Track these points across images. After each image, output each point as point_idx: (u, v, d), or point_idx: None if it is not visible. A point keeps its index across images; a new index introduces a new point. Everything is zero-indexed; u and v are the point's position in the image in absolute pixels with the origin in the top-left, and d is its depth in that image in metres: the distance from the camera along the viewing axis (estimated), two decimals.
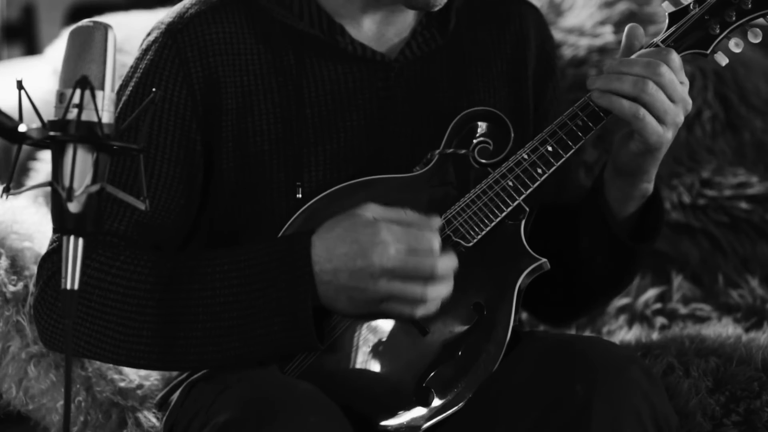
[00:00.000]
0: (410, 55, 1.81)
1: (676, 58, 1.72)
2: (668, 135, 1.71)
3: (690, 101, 1.73)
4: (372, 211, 1.65)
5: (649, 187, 1.78)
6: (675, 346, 2.06)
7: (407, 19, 1.82)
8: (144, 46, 1.78)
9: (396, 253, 1.63)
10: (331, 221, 1.66)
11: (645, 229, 1.82)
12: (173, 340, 1.67)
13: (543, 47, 1.92)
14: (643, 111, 1.69)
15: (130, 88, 1.77)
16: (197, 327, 1.66)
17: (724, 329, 2.19)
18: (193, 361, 1.70)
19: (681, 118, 1.72)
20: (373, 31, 1.81)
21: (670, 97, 1.70)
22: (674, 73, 1.70)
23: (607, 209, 1.79)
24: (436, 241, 1.64)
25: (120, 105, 1.76)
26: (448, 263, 1.65)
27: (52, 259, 1.70)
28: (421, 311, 1.66)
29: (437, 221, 1.68)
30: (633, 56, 1.73)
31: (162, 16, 1.80)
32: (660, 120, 1.70)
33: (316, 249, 1.64)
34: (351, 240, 1.63)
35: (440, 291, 1.65)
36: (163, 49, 1.76)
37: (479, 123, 1.78)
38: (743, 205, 2.41)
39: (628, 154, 1.74)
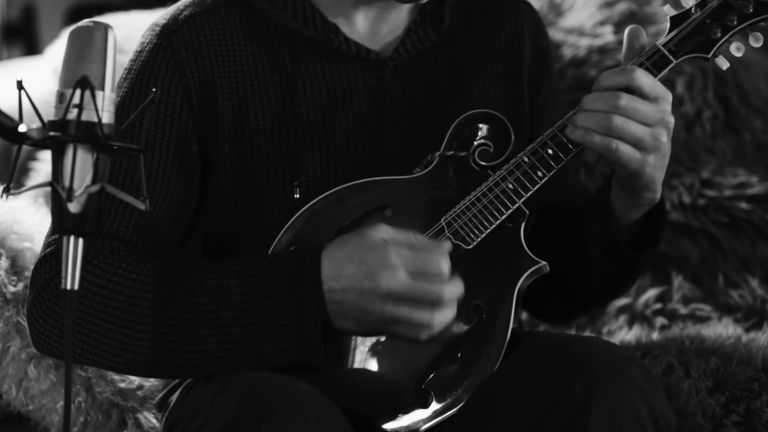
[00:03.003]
0: (404, 53, 1.81)
1: (641, 76, 1.69)
2: (649, 159, 1.69)
3: (671, 119, 1.70)
4: (383, 232, 1.64)
5: (655, 196, 1.77)
6: (675, 346, 2.06)
7: (400, 16, 1.82)
8: (138, 48, 1.78)
9: (404, 276, 1.62)
10: (340, 240, 1.65)
11: (647, 236, 1.81)
12: (174, 352, 1.67)
13: (538, 44, 1.92)
14: (615, 143, 1.68)
15: (124, 90, 1.76)
16: (199, 340, 1.66)
17: (724, 329, 2.19)
18: (193, 372, 1.70)
19: (663, 139, 1.70)
20: (366, 29, 1.81)
21: (644, 121, 1.68)
22: (644, 92, 1.68)
23: (612, 215, 1.79)
24: (444, 266, 1.64)
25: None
26: (454, 290, 1.65)
27: (49, 262, 1.70)
28: (425, 335, 1.65)
29: (447, 246, 1.67)
30: (600, 77, 1.71)
31: (156, 18, 1.80)
32: (637, 147, 1.69)
33: (325, 268, 1.64)
34: (359, 261, 1.63)
35: (445, 316, 1.65)
36: (158, 50, 1.75)
37: (480, 125, 1.77)
38: (743, 205, 2.41)
39: (618, 174, 1.74)
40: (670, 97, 1.72)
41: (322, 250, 1.65)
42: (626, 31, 1.76)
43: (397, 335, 1.66)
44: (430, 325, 1.64)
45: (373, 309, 1.63)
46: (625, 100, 1.68)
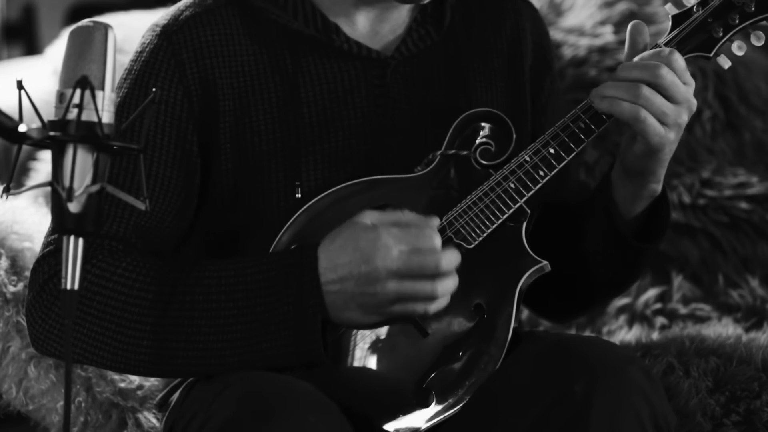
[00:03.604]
0: (406, 52, 1.81)
1: (679, 59, 1.72)
2: (670, 136, 1.71)
3: (695, 102, 1.72)
4: (370, 217, 1.66)
5: (658, 187, 1.78)
6: (675, 346, 2.06)
7: (401, 15, 1.82)
8: (138, 49, 1.78)
9: (399, 254, 1.63)
10: (332, 233, 1.66)
11: (651, 229, 1.82)
12: (174, 351, 1.67)
13: (539, 43, 1.92)
14: (644, 113, 1.69)
15: (125, 90, 1.76)
16: (199, 339, 1.66)
17: (724, 329, 2.19)
18: (193, 371, 1.70)
19: (684, 119, 1.72)
20: (367, 28, 1.81)
21: (671, 98, 1.70)
22: (677, 75, 1.70)
23: (615, 209, 1.79)
24: (436, 238, 1.65)
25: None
26: (451, 258, 1.65)
27: (48, 262, 1.70)
28: (433, 307, 1.66)
29: (435, 220, 1.68)
30: (635, 58, 1.73)
31: (156, 18, 1.80)
32: (660, 121, 1.70)
33: (321, 261, 1.64)
34: (353, 248, 1.63)
35: (448, 285, 1.65)
36: (159, 50, 1.75)
37: (481, 124, 1.77)
38: (743, 205, 2.41)
39: (633, 155, 1.74)
40: (694, 84, 1.73)
41: (318, 246, 1.66)
42: (629, 27, 1.77)
43: (404, 313, 1.67)
44: (435, 296, 1.64)
45: (375, 291, 1.63)
46: (667, 72, 1.69)
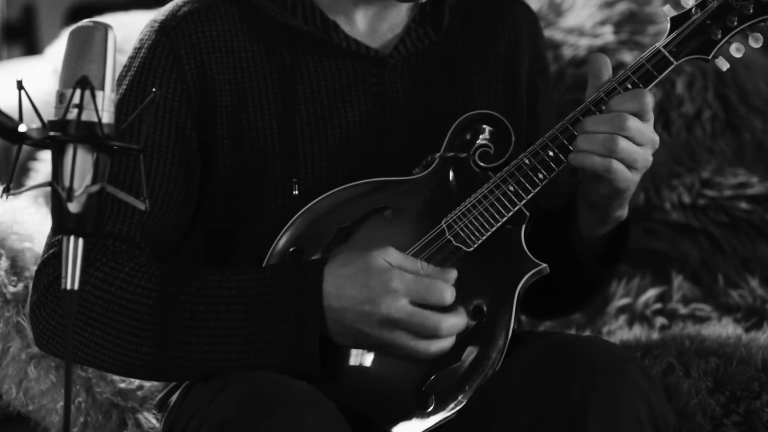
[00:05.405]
0: (404, 51, 1.81)
1: (650, 100, 1.69)
2: (636, 177, 1.71)
3: (657, 138, 1.71)
4: (390, 256, 1.65)
5: (623, 213, 1.78)
6: (675, 346, 2.06)
7: (400, 14, 1.82)
8: (137, 45, 1.78)
9: (404, 304, 1.62)
10: (345, 257, 1.66)
11: (615, 250, 1.82)
12: (171, 359, 1.67)
13: (536, 46, 1.93)
14: (615, 164, 1.68)
15: (124, 87, 1.76)
16: (198, 349, 1.66)
17: (724, 329, 2.19)
18: (190, 376, 1.71)
19: (650, 158, 1.71)
20: (366, 26, 1.81)
21: (640, 142, 1.69)
22: (644, 116, 1.68)
23: (577, 234, 1.79)
24: (448, 295, 1.64)
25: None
26: (454, 323, 1.65)
27: (52, 264, 1.70)
28: (420, 360, 1.66)
29: (453, 274, 1.68)
30: (614, 100, 1.70)
31: (154, 14, 1.80)
32: (631, 167, 1.69)
33: (327, 284, 1.64)
34: (362, 283, 1.63)
35: (442, 347, 1.65)
36: (157, 47, 1.75)
37: (480, 126, 1.77)
38: (743, 205, 2.41)
39: (598, 194, 1.73)
40: (653, 119, 1.71)
41: (324, 265, 1.65)
42: (590, 60, 1.74)
43: (392, 355, 1.67)
44: (426, 356, 1.65)
45: (370, 332, 1.64)
46: (633, 122, 1.68)
